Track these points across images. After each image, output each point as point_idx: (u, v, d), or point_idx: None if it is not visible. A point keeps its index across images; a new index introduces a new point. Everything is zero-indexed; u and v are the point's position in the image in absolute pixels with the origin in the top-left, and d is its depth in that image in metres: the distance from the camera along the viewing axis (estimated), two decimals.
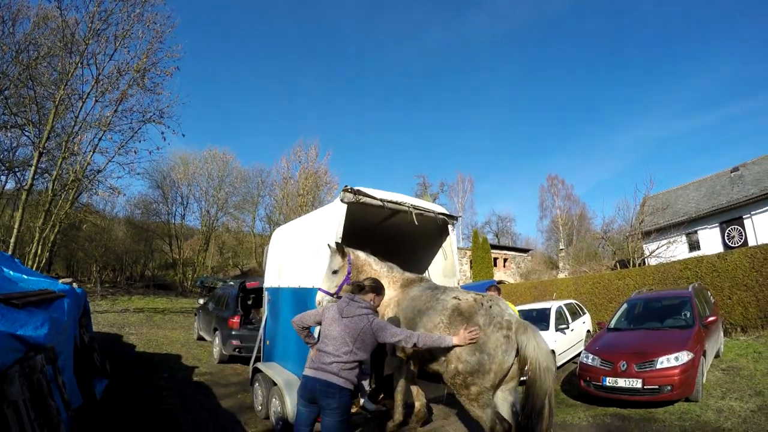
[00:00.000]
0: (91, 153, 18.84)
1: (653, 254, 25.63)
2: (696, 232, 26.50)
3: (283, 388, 6.17)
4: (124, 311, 21.59)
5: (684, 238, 26.57)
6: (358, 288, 4.43)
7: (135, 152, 19.44)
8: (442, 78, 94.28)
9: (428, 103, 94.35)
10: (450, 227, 7.22)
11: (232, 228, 45.45)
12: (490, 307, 4.24)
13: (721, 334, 11.16)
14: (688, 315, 9.16)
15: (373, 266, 5.47)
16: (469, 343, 4.05)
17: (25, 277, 5.68)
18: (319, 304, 5.21)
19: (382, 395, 6.79)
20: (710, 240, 25.73)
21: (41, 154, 16.99)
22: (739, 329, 13.34)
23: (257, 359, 7.97)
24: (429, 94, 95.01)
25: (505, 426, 4.02)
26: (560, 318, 12.46)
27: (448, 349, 4.17)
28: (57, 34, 17.21)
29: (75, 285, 6.81)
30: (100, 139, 18.85)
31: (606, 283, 18.41)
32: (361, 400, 6.23)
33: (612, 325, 10.03)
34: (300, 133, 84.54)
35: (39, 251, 17.94)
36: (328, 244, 5.51)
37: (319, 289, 5.33)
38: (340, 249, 5.34)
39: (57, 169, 17.75)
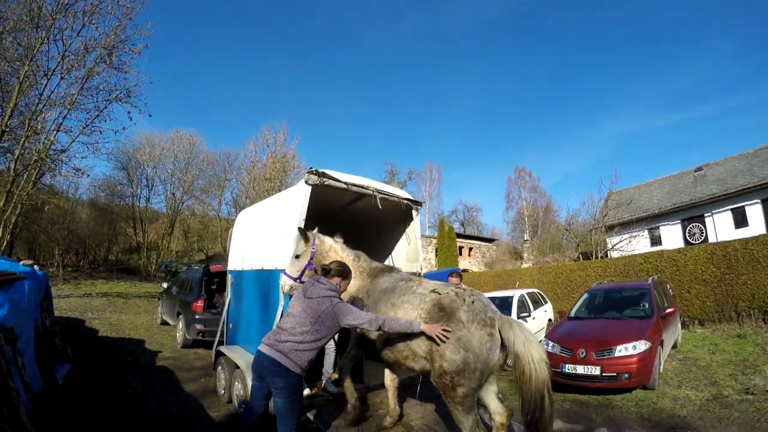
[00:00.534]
0: (55, 132, 18.28)
1: (615, 247, 26.20)
2: (658, 227, 27.15)
3: (245, 371, 6.12)
4: (86, 296, 21.23)
5: (646, 233, 27.21)
6: (324, 271, 4.38)
7: (100, 132, 18.90)
8: (414, 67, 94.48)
9: (399, 91, 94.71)
10: (414, 212, 7.22)
11: (198, 212, 44.71)
12: (473, 302, 4.04)
13: (679, 325, 11.48)
14: (647, 306, 9.41)
15: (339, 253, 5.25)
16: (437, 338, 3.87)
17: None
18: (282, 287, 5.14)
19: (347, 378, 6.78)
20: (672, 236, 26.37)
21: (3, 133, 16.50)
22: (697, 322, 13.75)
23: (220, 343, 7.92)
24: (400, 82, 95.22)
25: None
26: (522, 306, 12.66)
27: (429, 345, 3.97)
28: (24, 8, 16.63)
29: (36, 268, 6.67)
30: (64, 118, 18.28)
31: (568, 273, 18.80)
32: (323, 382, 6.20)
33: (572, 314, 10.25)
34: (268, 116, 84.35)
35: (0, 234, 17.48)
36: (299, 227, 5.44)
37: (283, 272, 5.25)
38: (303, 233, 5.23)
39: (20, 148, 17.23)
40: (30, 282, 5.20)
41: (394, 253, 7.67)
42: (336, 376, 6.66)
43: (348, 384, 5.19)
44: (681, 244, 24.47)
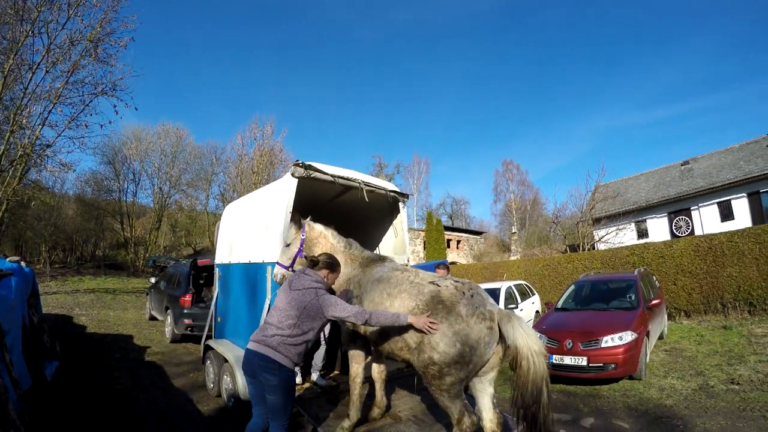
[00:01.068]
0: (41, 127, 18.04)
1: (602, 240, 26.42)
2: (645, 220, 27.36)
3: (233, 364, 6.10)
4: (74, 292, 21.08)
5: (633, 225, 27.44)
6: (312, 263, 4.31)
7: (86, 126, 18.64)
8: (402, 61, 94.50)
9: (387, 83, 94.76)
10: (401, 205, 7.23)
11: (185, 206, 44.35)
12: (472, 296, 3.95)
13: (665, 316, 11.61)
14: (633, 297, 9.49)
15: (329, 239, 5.18)
16: (425, 330, 3.81)
17: None
18: (275, 277, 5.09)
19: (337, 372, 6.73)
20: (658, 229, 26.59)
21: None
22: (683, 313, 13.92)
23: (209, 337, 7.89)
24: (388, 75, 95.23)
25: (474, 419, 3.86)
26: (510, 298, 12.76)
27: (420, 336, 3.89)
28: (8, 0, 16.43)
29: (23, 264, 6.61)
30: (50, 112, 18.05)
31: (555, 265, 18.95)
32: (314, 376, 6.16)
33: (559, 305, 10.32)
34: (256, 109, 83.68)
35: None
36: (291, 214, 5.38)
37: (277, 262, 5.20)
38: (295, 220, 5.19)
39: (5, 143, 16.99)
40: (17, 278, 5.17)
41: (381, 245, 7.66)
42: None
43: (356, 392, 4.88)
44: (667, 237, 24.69)
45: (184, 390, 7.88)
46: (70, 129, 18.60)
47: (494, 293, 12.42)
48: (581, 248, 26.29)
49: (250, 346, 3.98)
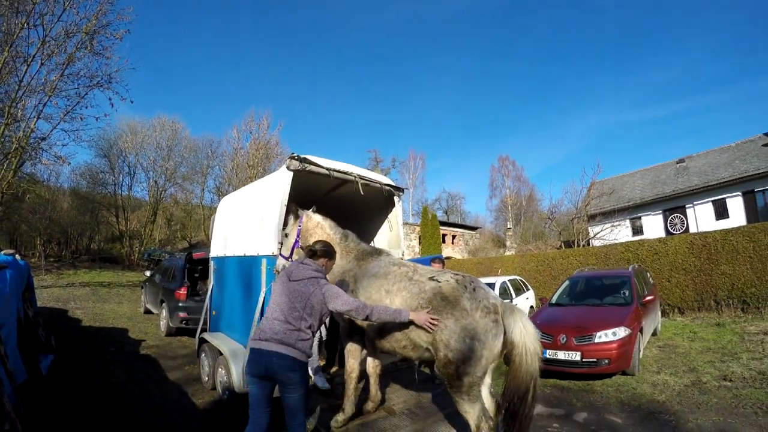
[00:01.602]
0: (36, 119, 18.00)
1: (597, 236, 26.49)
2: (640, 217, 27.43)
3: (228, 357, 6.12)
4: (69, 285, 21.05)
5: (628, 222, 27.49)
6: (311, 252, 4.19)
7: (81, 119, 18.66)
8: (399, 55, 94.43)
9: (384, 78, 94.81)
10: (396, 198, 7.21)
11: (181, 199, 44.05)
12: (474, 289, 3.94)
13: (659, 313, 11.65)
14: (627, 293, 9.53)
15: (326, 230, 5.13)
16: (426, 327, 3.83)
17: None
18: (276, 268, 5.07)
19: (335, 368, 6.66)
20: (653, 226, 26.66)
21: None
22: (677, 310, 14.00)
23: (203, 330, 7.90)
24: (385, 70, 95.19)
25: (491, 424, 3.87)
26: (504, 293, 12.81)
27: (432, 335, 3.85)
28: None
29: (18, 257, 6.59)
30: (44, 105, 17.98)
31: (550, 261, 19.03)
32: (312, 377, 5.96)
33: (554, 300, 10.34)
34: (251, 103, 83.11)
35: None
36: (289, 204, 5.36)
37: (280, 253, 5.21)
38: (293, 210, 5.19)
39: None
40: (11, 271, 5.14)
41: (376, 239, 7.65)
42: (323, 361, 6.67)
43: (351, 385, 4.90)
44: (662, 234, 24.76)
45: (179, 383, 7.87)
46: (65, 122, 18.59)
47: (489, 288, 12.44)
48: (576, 244, 26.36)
49: (262, 345, 3.73)
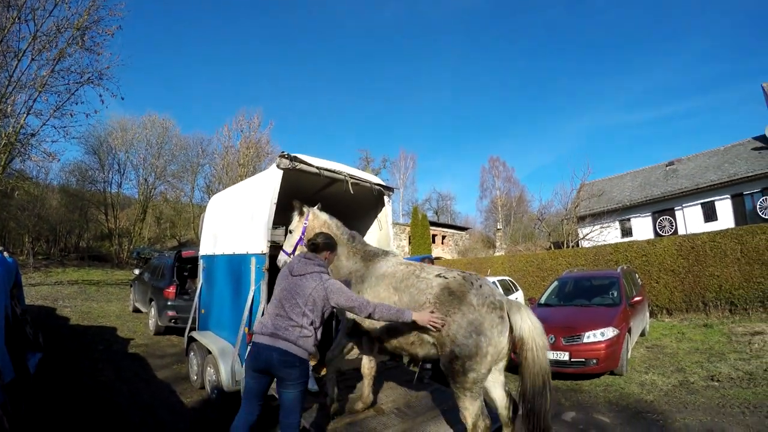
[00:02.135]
0: (25, 115, 17.85)
1: (586, 238, 26.62)
2: (629, 219, 27.61)
3: (217, 356, 6.10)
4: (57, 284, 20.91)
5: (617, 224, 27.67)
6: (312, 246, 4.13)
7: (71, 115, 18.49)
8: (391, 55, 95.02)
9: (375, 78, 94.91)
10: (386, 198, 7.21)
11: (171, 197, 43.79)
12: (480, 286, 3.95)
13: (647, 314, 11.73)
14: (616, 294, 9.58)
15: (333, 230, 5.05)
16: (429, 326, 3.82)
17: None
18: (278, 263, 4.98)
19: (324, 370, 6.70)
20: (642, 228, 26.83)
21: None
22: (665, 311, 14.08)
23: (192, 329, 7.87)
24: (376, 70, 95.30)
25: (487, 423, 3.85)
26: None
27: (433, 333, 3.87)
28: None
29: (6, 254, 6.54)
30: (34, 101, 17.91)
31: (539, 262, 19.13)
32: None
33: (542, 301, 10.40)
34: (243, 102, 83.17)
35: None
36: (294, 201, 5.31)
37: (282, 250, 5.16)
38: (298, 207, 5.14)
39: None
40: None
41: (365, 238, 7.63)
42: (315, 361, 6.62)
43: (332, 378, 5.04)
44: (651, 236, 24.87)
45: (167, 382, 7.83)
46: (55, 118, 18.49)
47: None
48: (565, 245, 26.50)
49: (263, 340, 3.73)
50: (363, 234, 7.63)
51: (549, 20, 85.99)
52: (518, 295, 14.95)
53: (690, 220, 24.77)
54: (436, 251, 39.23)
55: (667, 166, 28.75)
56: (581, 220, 27.92)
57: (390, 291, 4.36)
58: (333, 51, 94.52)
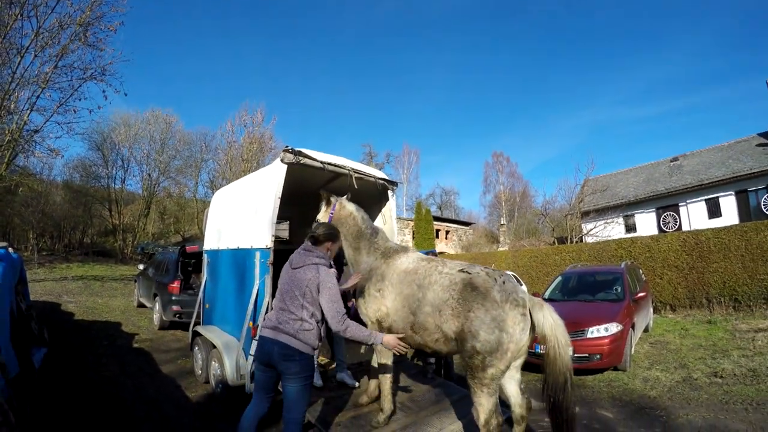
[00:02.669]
0: (29, 112, 17.84)
1: (590, 233, 26.57)
2: (633, 215, 27.52)
3: (222, 350, 6.09)
4: (62, 279, 20.98)
5: (621, 220, 27.58)
6: (313, 239, 4.06)
7: (75, 111, 18.42)
8: (394, 49, 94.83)
9: (378, 73, 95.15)
10: (390, 192, 7.19)
11: (174, 193, 43.84)
12: (504, 282, 3.93)
13: (651, 309, 11.72)
14: (619, 290, 9.59)
15: (357, 222, 5.07)
16: (395, 351, 3.85)
17: None
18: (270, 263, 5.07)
19: (326, 360, 6.63)
20: (646, 224, 26.75)
21: None
22: (669, 307, 14.05)
23: (197, 323, 7.89)
24: (380, 65, 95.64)
25: (500, 419, 3.82)
26: None
27: (460, 325, 3.83)
28: None
29: (11, 250, 6.56)
30: (38, 97, 17.88)
31: (543, 257, 19.10)
32: (339, 375, 5.94)
33: (546, 296, 10.39)
34: (246, 97, 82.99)
35: None
36: (321, 192, 5.33)
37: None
38: (325, 197, 5.17)
39: None
40: (4, 264, 5.12)
41: None
42: (324, 359, 6.62)
43: (387, 384, 4.84)
44: (655, 232, 24.88)
45: (172, 376, 7.86)
46: (59, 114, 18.39)
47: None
48: (569, 241, 26.43)
49: (266, 333, 3.79)
50: None
51: (552, 14, 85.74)
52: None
53: (694, 216, 24.70)
54: (440, 246, 39.24)
55: (671, 161, 28.66)
56: (585, 215, 27.88)
57: (413, 287, 4.33)
58: (336, 46, 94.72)
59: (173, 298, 11.05)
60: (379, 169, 7.94)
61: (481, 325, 3.73)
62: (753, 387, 6.82)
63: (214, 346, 6.46)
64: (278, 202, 5.56)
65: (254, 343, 4.90)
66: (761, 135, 25.17)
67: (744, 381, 7.13)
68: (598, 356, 7.67)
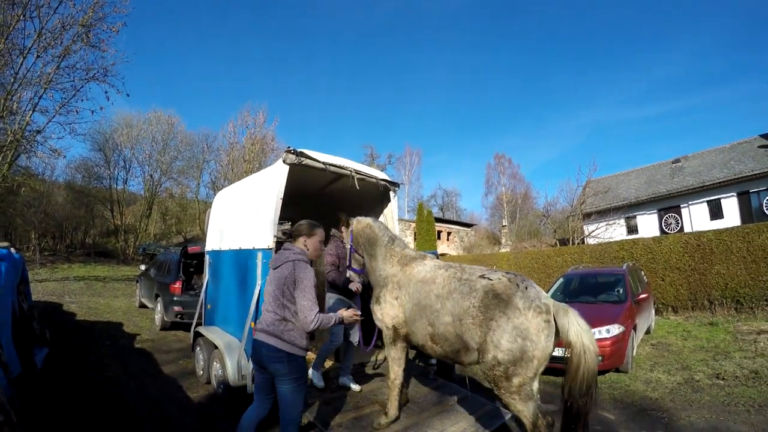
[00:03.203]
0: (31, 112, 17.91)
1: (592, 235, 26.59)
2: (635, 216, 27.54)
3: (223, 351, 6.09)
4: (64, 279, 21.00)
5: (623, 221, 27.62)
6: (288, 236, 4.11)
7: (77, 112, 18.54)
8: (396, 50, 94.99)
9: (380, 74, 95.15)
10: (391, 194, 7.21)
11: (176, 194, 43.80)
12: (526, 288, 3.82)
13: (653, 311, 11.71)
14: (621, 291, 9.57)
15: (374, 230, 5.11)
16: (352, 320, 3.96)
17: None
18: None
19: (331, 363, 6.66)
20: (648, 225, 26.77)
21: None
22: (671, 309, 14.02)
23: (198, 324, 7.89)
24: (381, 66, 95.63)
25: (549, 420, 3.75)
26: None
27: (482, 334, 3.74)
28: None
29: (13, 250, 6.57)
30: (40, 98, 17.97)
31: (545, 259, 19.05)
32: (342, 379, 5.95)
33: None
34: (248, 98, 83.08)
35: None
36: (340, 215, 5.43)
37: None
38: (344, 221, 5.27)
39: None
40: (6, 264, 5.13)
41: None
42: (313, 355, 6.61)
43: (395, 388, 4.85)
44: (657, 234, 24.89)
45: (173, 377, 7.85)
46: (61, 114, 18.51)
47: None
48: (571, 242, 26.41)
49: (257, 336, 3.80)
50: None
51: (552, 15, 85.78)
52: None
53: (696, 217, 24.71)
54: (442, 247, 39.30)
55: (673, 163, 28.68)
56: (587, 217, 27.91)
57: (432, 298, 4.25)
58: (337, 47, 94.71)
59: (175, 298, 11.05)
60: (381, 171, 7.94)
61: (503, 333, 3.63)
62: (755, 389, 6.82)
63: (216, 347, 6.47)
64: (280, 202, 5.56)
65: None
66: (763, 136, 25.16)
67: (746, 383, 7.13)
68: (599, 358, 7.63)
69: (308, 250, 4.04)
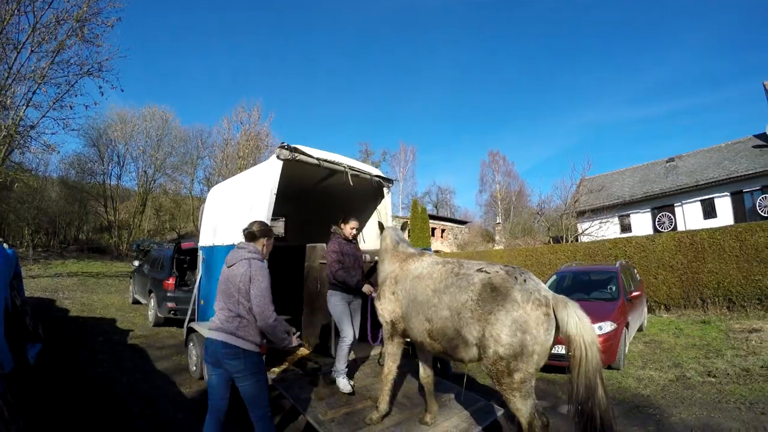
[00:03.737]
0: (25, 107, 17.84)
1: (586, 232, 26.66)
2: (628, 215, 27.65)
3: None
4: (57, 276, 20.94)
5: (617, 219, 27.73)
6: (249, 235, 4.09)
7: (71, 107, 18.50)
8: (391, 47, 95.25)
9: (375, 71, 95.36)
10: (385, 190, 7.23)
11: (170, 190, 43.77)
12: (525, 280, 3.72)
13: (645, 309, 11.76)
14: (614, 289, 9.62)
15: (386, 240, 5.22)
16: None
17: None
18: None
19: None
20: (642, 224, 26.87)
21: None
22: (663, 307, 14.07)
23: (192, 320, 7.87)
24: (376, 63, 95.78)
25: (544, 421, 3.63)
26: None
27: (481, 329, 3.64)
28: None
29: (6, 246, 6.54)
30: (34, 93, 17.89)
31: (538, 256, 19.14)
32: (339, 381, 5.73)
33: None
34: (242, 94, 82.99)
35: None
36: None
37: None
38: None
39: None
40: None
41: (365, 230, 7.66)
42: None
43: (388, 383, 4.86)
44: (650, 232, 24.98)
45: (167, 373, 7.86)
46: (55, 110, 18.49)
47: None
48: (565, 240, 26.53)
49: (210, 335, 3.84)
50: (362, 225, 7.64)
51: (549, 13, 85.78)
52: None
53: (689, 216, 24.81)
54: (436, 244, 39.38)
55: (667, 162, 28.78)
56: (581, 215, 28.00)
57: (429, 293, 4.22)
58: (332, 44, 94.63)
59: (168, 294, 11.03)
60: (376, 167, 7.94)
61: (503, 327, 3.53)
62: (746, 386, 6.86)
63: None
64: (274, 198, 5.58)
65: None
66: (757, 137, 25.26)
67: (737, 380, 7.16)
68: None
69: (264, 250, 4.13)
